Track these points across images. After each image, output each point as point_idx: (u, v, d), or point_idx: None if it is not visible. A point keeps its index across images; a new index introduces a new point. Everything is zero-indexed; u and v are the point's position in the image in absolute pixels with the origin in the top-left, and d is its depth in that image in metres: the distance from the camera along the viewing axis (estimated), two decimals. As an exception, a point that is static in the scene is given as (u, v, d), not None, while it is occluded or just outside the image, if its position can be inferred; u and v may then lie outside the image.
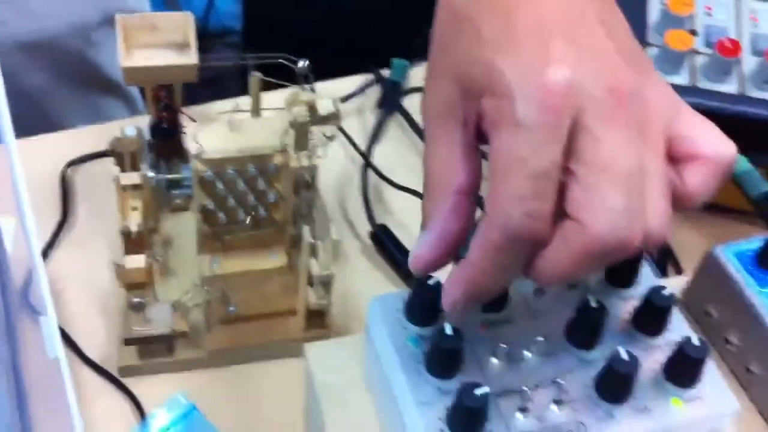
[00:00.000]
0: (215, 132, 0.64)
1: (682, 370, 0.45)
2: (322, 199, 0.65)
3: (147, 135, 0.71)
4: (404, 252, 0.70)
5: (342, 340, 0.54)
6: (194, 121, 0.69)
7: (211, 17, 1.73)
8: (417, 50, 0.88)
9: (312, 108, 0.63)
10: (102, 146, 0.76)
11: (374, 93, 0.85)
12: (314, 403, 0.52)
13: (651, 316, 0.46)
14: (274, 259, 0.68)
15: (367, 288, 0.70)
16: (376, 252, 0.72)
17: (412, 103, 0.83)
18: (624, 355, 0.43)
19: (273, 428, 0.61)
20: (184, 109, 0.71)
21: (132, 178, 0.66)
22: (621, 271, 0.48)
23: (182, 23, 0.66)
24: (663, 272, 0.70)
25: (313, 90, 0.65)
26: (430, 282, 0.46)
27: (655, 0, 0.73)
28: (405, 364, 0.45)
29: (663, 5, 0.72)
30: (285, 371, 0.64)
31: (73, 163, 0.75)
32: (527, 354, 0.46)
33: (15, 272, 0.64)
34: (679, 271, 0.70)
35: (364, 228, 0.74)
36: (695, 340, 0.44)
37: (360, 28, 1.45)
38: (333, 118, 0.63)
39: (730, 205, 0.72)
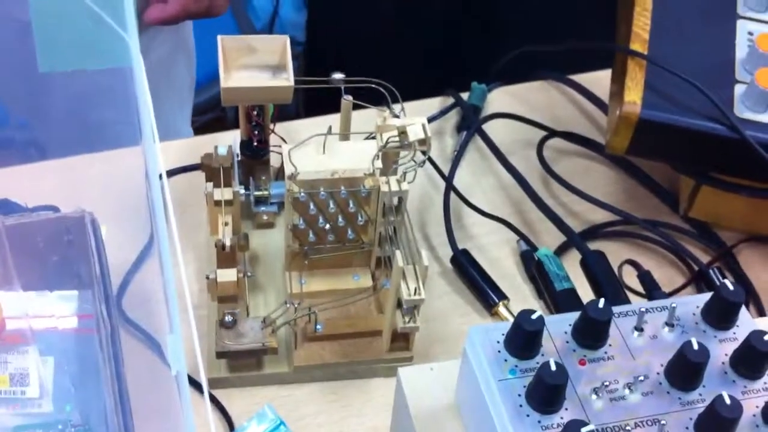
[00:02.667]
0: (308, 153, 0.65)
1: (783, 415, 0.45)
2: (410, 223, 0.66)
3: (237, 151, 0.73)
4: (485, 277, 0.71)
5: (434, 366, 0.55)
6: (285, 141, 0.71)
7: (276, 27, 1.75)
8: (494, 74, 0.89)
9: (402, 133, 0.64)
10: (188, 160, 0.79)
11: (453, 115, 0.86)
12: (407, 426, 0.53)
13: (751, 360, 0.47)
14: (357, 280, 0.69)
15: (448, 311, 0.71)
16: (455, 275, 0.73)
17: (491, 128, 0.84)
18: (727, 400, 0.43)
19: (356, 446, 0.62)
20: (271, 127, 0.73)
21: (225, 193, 0.67)
22: (720, 312, 0.49)
23: (279, 46, 0.67)
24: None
25: (404, 114, 0.66)
26: (532, 316, 0.47)
27: (742, 37, 0.73)
28: (505, 395, 0.46)
29: (751, 42, 0.72)
30: (368, 389, 0.66)
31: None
32: (627, 392, 0.46)
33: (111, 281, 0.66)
34: (761, 311, 0.70)
35: (443, 250, 0.75)
36: (797, 387, 0.45)
37: (420, 44, 1.46)
38: (423, 144, 0.64)
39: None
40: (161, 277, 0.39)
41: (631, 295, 0.69)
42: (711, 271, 0.71)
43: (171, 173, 0.78)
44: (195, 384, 0.65)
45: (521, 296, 0.72)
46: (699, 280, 0.71)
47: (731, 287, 0.49)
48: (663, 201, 0.80)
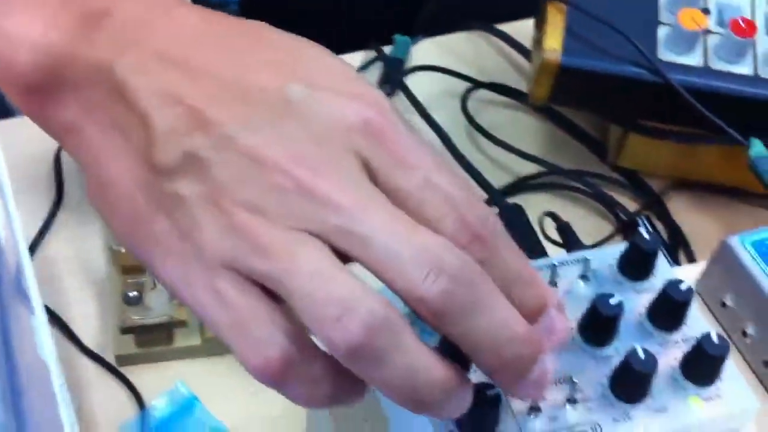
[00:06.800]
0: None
1: (701, 367, 0.43)
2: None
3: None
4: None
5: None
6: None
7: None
8: (418, 26, 0.86)
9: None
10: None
11: (375, 70, 0.83)
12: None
13: (668, 311, 0.44)
14: (273, 244, 0.66)
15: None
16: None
17: (414, 82, 0.81)
18: (641, 354, 0.41)
19: (272, 418, 0.60)
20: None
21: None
22: (635, 263, 0.47)
23: None
24: (675, 260, 0.68)
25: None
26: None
27: (666, -24, 0.70)
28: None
29: (674, -18, 0.69)
30: (286, 360, 0.63)
31: (66, 144, 0.73)
32: (539, 350, 0.44)
33: (7, 259, 0.62)
34: (691, 258, 0.68)
35: (366, 210, 0.72)
36: (715, 337, 0.42)
37: (358, 2, 1.42)
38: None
39: (745, 187, 0.70)
40: (17, 251, 0.36)
41: (552, 248, 0.66)
42: (639, 220, 0.69)
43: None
44: (102, 361, 0.62)
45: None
46: (627, 229, 0.69)
47: (647, 236, 0.46)
48: (592, 150, 0.77)
